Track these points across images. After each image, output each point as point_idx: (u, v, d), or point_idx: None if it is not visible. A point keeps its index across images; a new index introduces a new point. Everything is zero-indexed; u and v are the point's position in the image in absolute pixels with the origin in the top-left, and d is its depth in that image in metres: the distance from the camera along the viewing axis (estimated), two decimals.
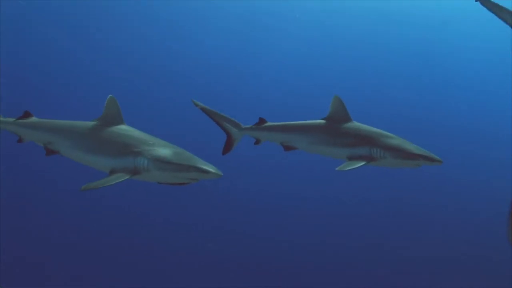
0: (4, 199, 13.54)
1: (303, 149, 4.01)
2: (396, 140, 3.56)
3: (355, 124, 3.87)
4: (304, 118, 4.26)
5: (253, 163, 15.67)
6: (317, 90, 24.35)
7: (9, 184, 14.25)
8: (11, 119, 3.64)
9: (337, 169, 3.47)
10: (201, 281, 10.98)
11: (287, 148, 4.02)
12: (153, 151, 3.02)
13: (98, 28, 23.71)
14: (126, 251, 13.51)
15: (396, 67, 28.46)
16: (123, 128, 3.40)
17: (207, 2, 26.69)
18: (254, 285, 10.53)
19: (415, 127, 22.61)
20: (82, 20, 23.23)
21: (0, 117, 3.67)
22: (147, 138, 3.22)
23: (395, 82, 27.25)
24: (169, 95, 21.35)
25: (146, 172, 2.99)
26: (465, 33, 28.16)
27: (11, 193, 14.11)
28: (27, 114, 3.65)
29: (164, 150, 3.04)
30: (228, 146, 4.20)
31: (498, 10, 3.69)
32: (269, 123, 4.17)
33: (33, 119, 3.66)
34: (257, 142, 4.18)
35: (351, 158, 3.57)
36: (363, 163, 3.45)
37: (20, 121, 3.61)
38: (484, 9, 4.42)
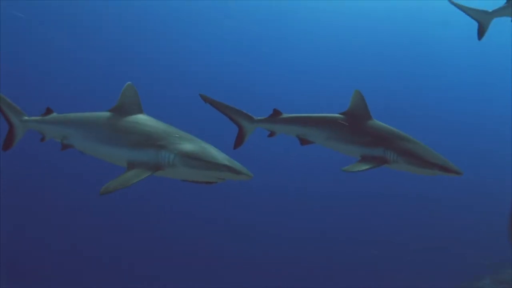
0: (4, 199, 13.05)
1: (320, 143, 3.83)
2: (414, 145, 3.33)
3: (374, 122, 3.64)
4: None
5: (263, 158, 15.54)
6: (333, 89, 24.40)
7: (9, 184, 14.11)
8: (36, 118, 3.47)
9: (343, 169, 3.35)
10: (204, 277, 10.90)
11: (304, 142, 3.84)
12: (179, 145, 2.71)
13: (97, 28, 23.75)
14: (125, 251, 13.44)
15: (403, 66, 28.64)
16: (143, 117, 3.08)
17: (216, 2, 26.80)
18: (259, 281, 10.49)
19: (415, 123, 22.76)
20: (82, 20, 23.24)
21: (25, 116, 3.50)
22: (171, 130, 2.90)
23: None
24: (175, 92, 21.39)
25: (171, 168, 2.69)
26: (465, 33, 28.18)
27: (11, 193, 13.92)
28: (49, 111, 3.47)
29: (191, 145, 2.73)
30: (239, 139, 4.01)
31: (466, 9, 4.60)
32: (284, 115, 3.97)
33: (54, 115, 3.46)
34: (272, 134, 4.00)
35: (364, 158, 3.42)
36: (372, 165, 3.30)
37: (43, 118, 3.43)
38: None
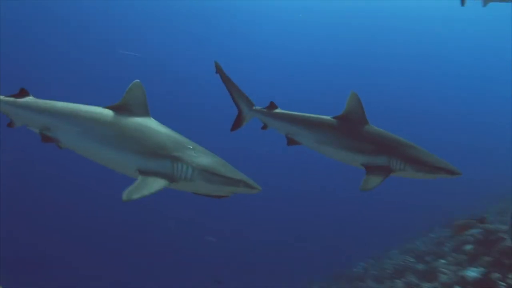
0: (4, 199, 13.32)
1: (309, 146, 3.57)
2: (416, 151, 3.22)
3: (372, 128, 3.40)
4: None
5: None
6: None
7: (9, 184, 14.32)
8: (5, 98, 3.01)
9: (361, 189, 3.12)
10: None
11: (291, 142, 3.61)
12: (196, 158, 2.59)
13: (97, 28, 23.80)
14: (125, 251, 13.50)
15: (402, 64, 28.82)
16: (152, 122, 2.84)
17: (214, 2, 26.88)
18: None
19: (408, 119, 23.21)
20: (82, 21, 23.33)
21: None
22: (184, 140, 2.74)
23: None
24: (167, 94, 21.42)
25: (188, 181, 2.57)
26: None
27: (11, 193, 14.26)
28: (23, 92, 3.03)
29: (208, 159, 2.63)
30: (237, 123, 3.86)
31: None
32: (279, 110, 3.73)
33: (29, 98, 3.03)
34: (264, 127, 3.82)
35: (367, 167, 3.22)
36: (384, 177, 3.12)
37: (15, 99, 2.98)
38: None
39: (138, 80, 2.90)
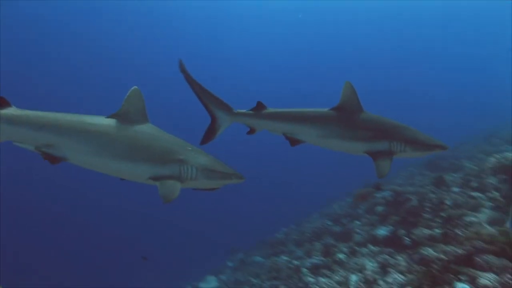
0: (4, 199, 13.15)
1: (312, 142, 3.41)
2: (412, 132, 3.29)
3: (368, 114, 3.39)
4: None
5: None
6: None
7: (9, 184, 14.38)
8: None
9: (379, 177, 3.16)
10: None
11: (293, 141, 3.40)
12: (197, 159, 2.78)
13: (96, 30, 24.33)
14: (125, 251, 13.29)
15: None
16: (152, 128, 2.88)
17: (214, 2, 26.73)
18: None
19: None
20: (80, 22, 22.88)
21: None
22: (183, 142, 2.87)
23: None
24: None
25: (192, 181, 2.75)
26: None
27: (11, 193, 14.33)
28: (2, 102, 2.63)
29: (205, 158, 2.82)
30: (209, 133, 3.40)
31: None
32: (269, 109, 3.45)
33: (12, 109, 2.64)
34: (251, 131, 3.47)
35: (370, 153, 3.23)
36: (390, 161, 3.18)
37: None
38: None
39: (136, 87, 2.89)
